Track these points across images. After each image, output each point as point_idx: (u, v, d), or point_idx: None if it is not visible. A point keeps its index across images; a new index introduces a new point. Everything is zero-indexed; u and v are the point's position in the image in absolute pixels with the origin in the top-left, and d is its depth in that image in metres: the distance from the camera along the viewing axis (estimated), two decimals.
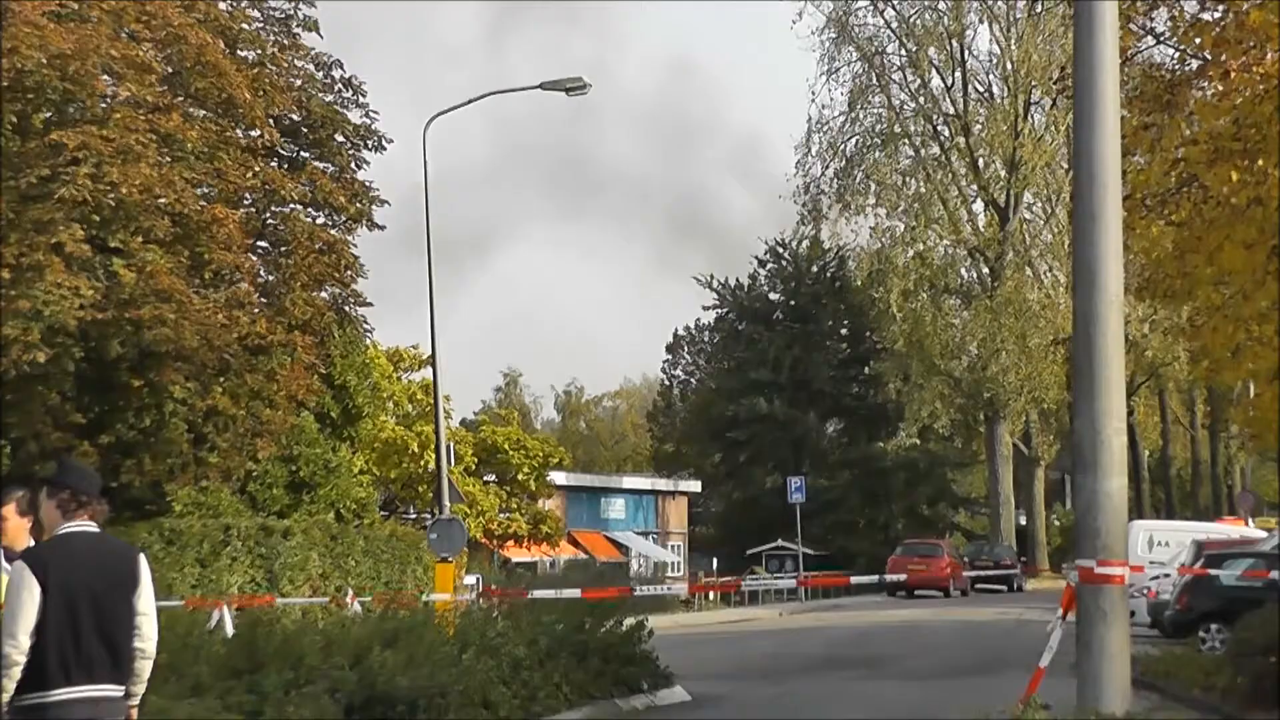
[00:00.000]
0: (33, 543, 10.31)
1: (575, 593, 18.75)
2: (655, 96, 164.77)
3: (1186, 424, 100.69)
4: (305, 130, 33.38)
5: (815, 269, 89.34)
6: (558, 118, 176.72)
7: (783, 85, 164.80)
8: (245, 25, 32.68)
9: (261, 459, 35.44)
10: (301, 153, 33.52)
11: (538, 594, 19.25)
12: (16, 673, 8.16)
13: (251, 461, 34.45)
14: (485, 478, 56.27)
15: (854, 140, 79.53)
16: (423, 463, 50.71)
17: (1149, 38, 21.57)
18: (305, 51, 33.47)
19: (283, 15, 33.31)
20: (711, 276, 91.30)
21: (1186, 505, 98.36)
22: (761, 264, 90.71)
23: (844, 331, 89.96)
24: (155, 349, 27.88)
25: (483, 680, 18.03)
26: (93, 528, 8.56)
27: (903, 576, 58.35)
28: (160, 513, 32.68)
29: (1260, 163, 18.86)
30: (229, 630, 17.46)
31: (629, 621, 22.38)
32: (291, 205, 32.60)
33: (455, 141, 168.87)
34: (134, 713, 8.69)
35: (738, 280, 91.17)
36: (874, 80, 79.34)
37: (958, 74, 78.98)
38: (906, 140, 79.43)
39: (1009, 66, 77.65)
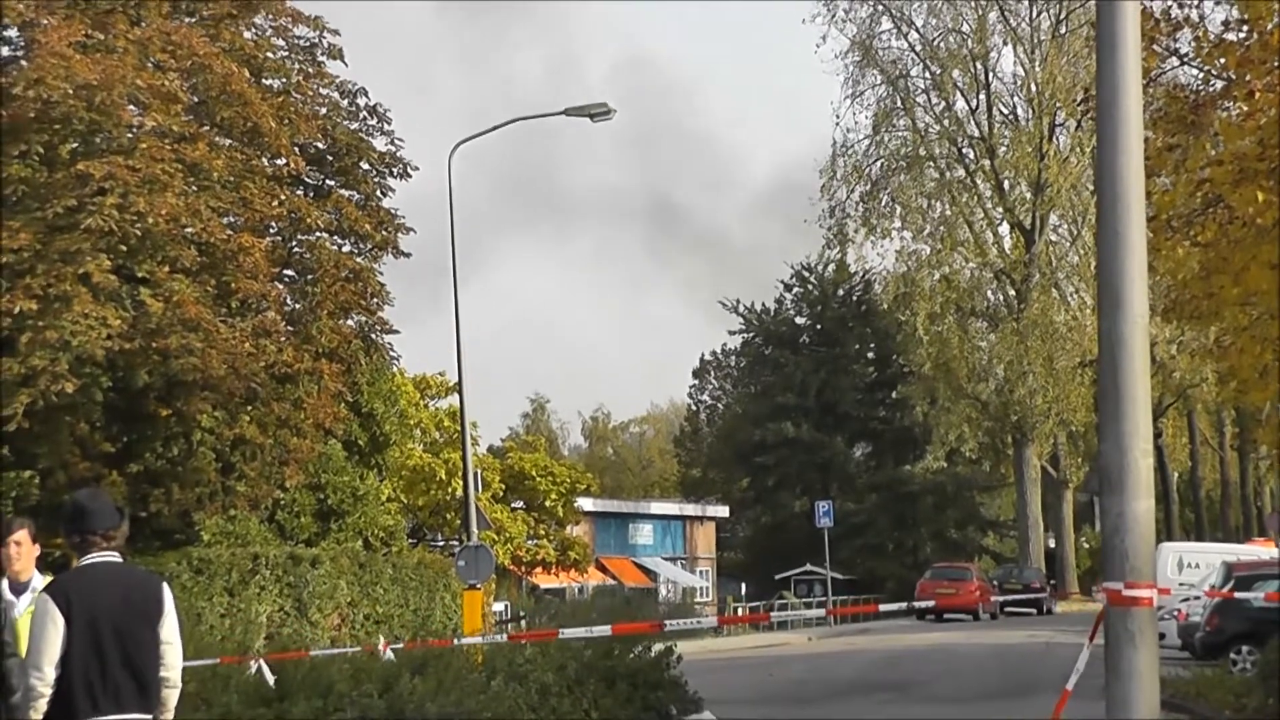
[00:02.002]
0: (36, 573, 10.30)
1: (606, 630, 18.76)
2: (664, 116, 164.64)
3: (1215, 445, 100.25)
4: (331, 158, 33.40)
5: (841, 293, 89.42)
6: (550, 141, 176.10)
7: (806, 103, 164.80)
8: (270, 54, 32.72)
9: (289, 487, 35.47)
10: (327, 181, 33.53)
11: (567, 633, 19.26)
12: (43, 705, 8.18)
13: (279, 490, 34.47)
14: (513, 504, 56.20)
15: (879, 163, 79.64)
16: (450, 490, 50.68)
17: (1173, 59, 21.52)
18: (330, 79, 33.50)
19: (308, 44, 33.37)
20: (738, 301, 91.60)
21: (1216, 527, 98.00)
22: (787, 288, 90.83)
23: (870, 355, 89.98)
24: (183, 378, 27.94)
25: (511, 707, 18.00)
26: (115, 558, 8.56)
27: (931, 600, 58.30)
28: (188, 542, 32.70)
29: None
30: (269, 678, 17.42)
31: (657, 647, 22.31)
32: (317, 233, 32.60)
33: (459, 164, 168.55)
34: None
35: (764, 305, 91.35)
36: (898, 103, 79.45)
37: (982, 96, 79.00)
38: (931, 163, 79.44)
39: (1033, 88, 77.63)
